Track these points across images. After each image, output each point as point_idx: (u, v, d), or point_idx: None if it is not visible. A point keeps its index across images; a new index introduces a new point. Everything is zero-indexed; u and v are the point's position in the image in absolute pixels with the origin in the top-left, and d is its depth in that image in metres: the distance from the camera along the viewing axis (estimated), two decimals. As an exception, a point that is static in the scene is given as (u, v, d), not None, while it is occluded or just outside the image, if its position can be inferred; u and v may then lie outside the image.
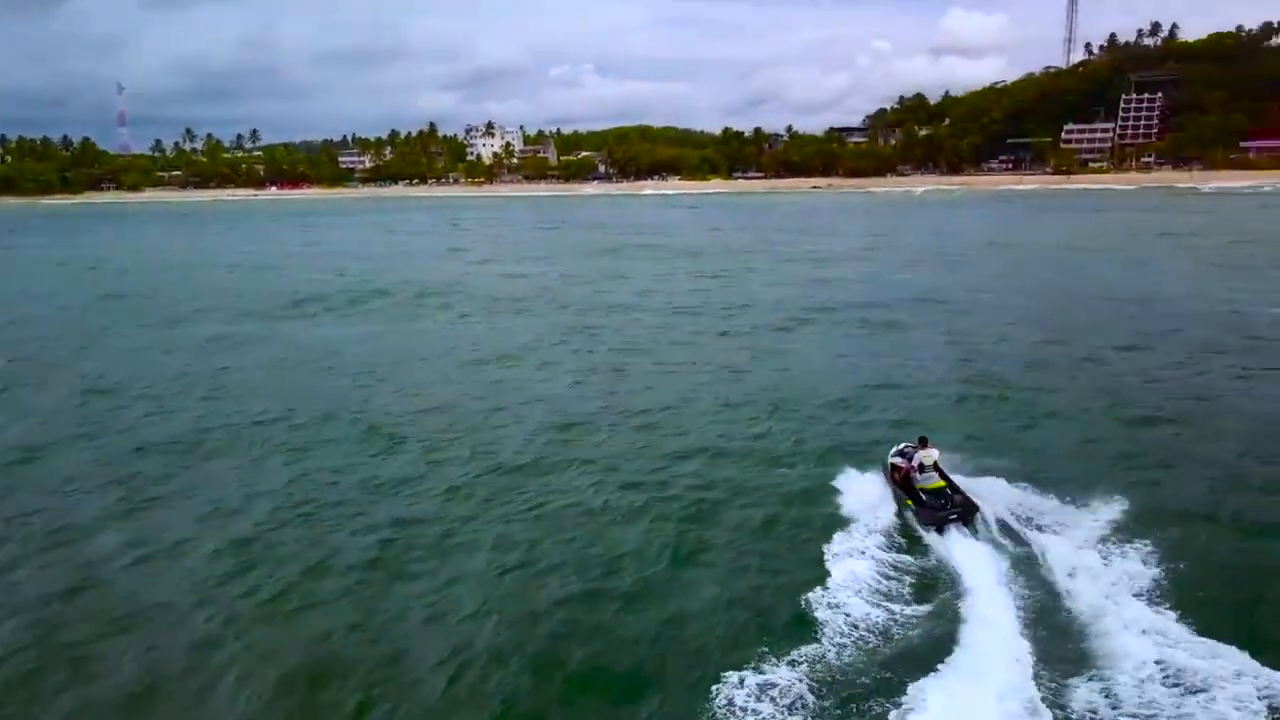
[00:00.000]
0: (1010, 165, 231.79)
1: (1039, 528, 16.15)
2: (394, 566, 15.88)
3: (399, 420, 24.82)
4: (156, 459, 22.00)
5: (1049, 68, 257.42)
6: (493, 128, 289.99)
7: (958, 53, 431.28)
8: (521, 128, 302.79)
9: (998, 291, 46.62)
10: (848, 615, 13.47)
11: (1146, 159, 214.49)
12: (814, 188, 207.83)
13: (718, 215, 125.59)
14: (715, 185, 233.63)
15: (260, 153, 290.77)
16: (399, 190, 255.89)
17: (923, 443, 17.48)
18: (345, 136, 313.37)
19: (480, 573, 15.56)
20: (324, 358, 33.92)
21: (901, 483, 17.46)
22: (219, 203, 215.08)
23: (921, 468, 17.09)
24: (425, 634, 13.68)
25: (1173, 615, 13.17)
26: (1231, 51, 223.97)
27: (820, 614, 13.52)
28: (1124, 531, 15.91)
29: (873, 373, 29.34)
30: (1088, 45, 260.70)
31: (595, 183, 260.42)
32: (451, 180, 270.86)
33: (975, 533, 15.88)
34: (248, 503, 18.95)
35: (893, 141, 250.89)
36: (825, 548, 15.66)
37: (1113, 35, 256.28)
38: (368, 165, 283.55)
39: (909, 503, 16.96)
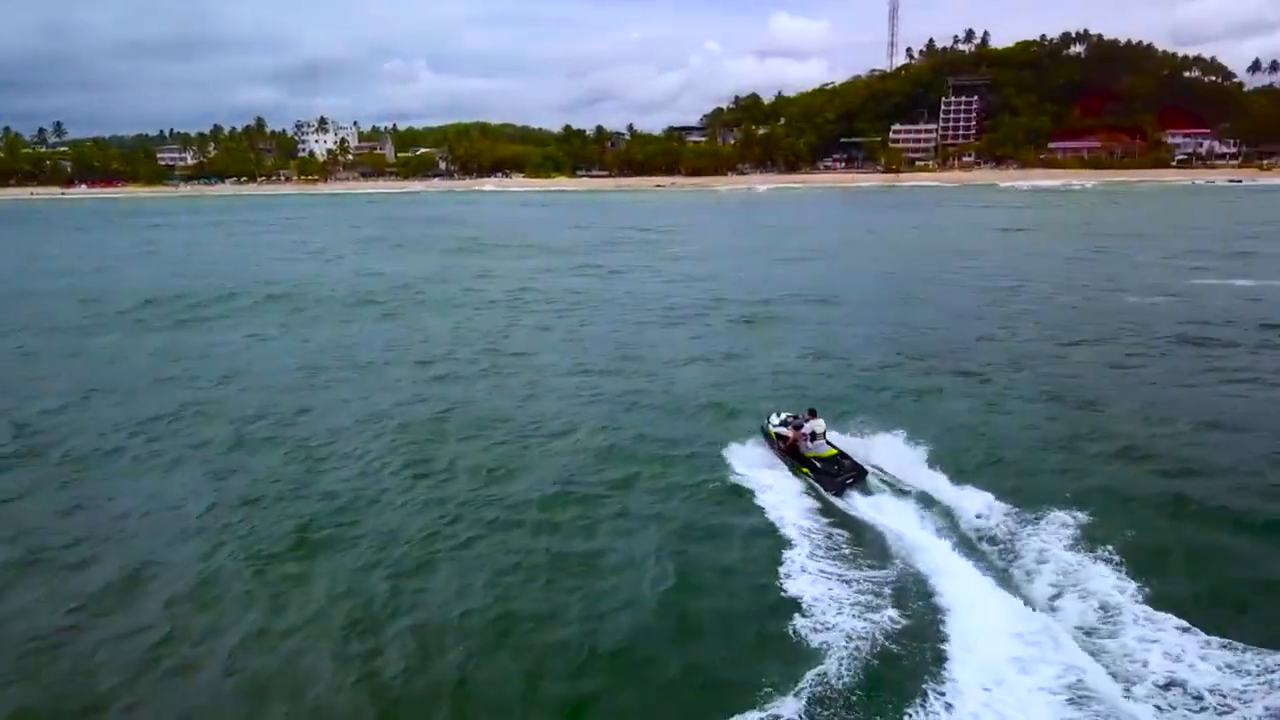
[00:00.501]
0: (844, 164, 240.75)
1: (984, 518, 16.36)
2: (352, 615, 14.26)
3: (298, 438, 22.75)
4: (34, 498, 19.40)
5: (874, 70, 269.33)
6: (326, 123, 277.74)
7: (783, 55, 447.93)
8: (355, 123, 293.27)
9: (875, 285, 47.87)
10: (839, 630, 12.94)
11: (967, 158, 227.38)
12: (659, 186, 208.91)
13: (573, 213, 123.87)
14: (560, 183, 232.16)
15: (67, 148, 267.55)
16: (227, 189, 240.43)
17: (812, 414, 18.80)
18: (163, 131, 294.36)
19: (445, 616, 14.19)
20: (193, 368, 30.90)
21: (790, 450, 18.80)
22: (23, 202, 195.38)
23: (813, 436, 18.36)
24: (414, 692, 12.42)
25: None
26: (1036, 58, 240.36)
27: (812, 637, 12.88)
28: (1081, 523, 16.06)
29: (768, 364, 29.77)
30: (909, 50, 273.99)
31: (437, 180, 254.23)
32: (283, 178, 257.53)
33: (869, 493, 17.30)
34: (156, 547, 16.73)
35: (731, 140, 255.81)
36: (782, 564, 15.02)
37: (931, 41, 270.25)
38: (190, 162, 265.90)
39: (804, 470, 18.26)
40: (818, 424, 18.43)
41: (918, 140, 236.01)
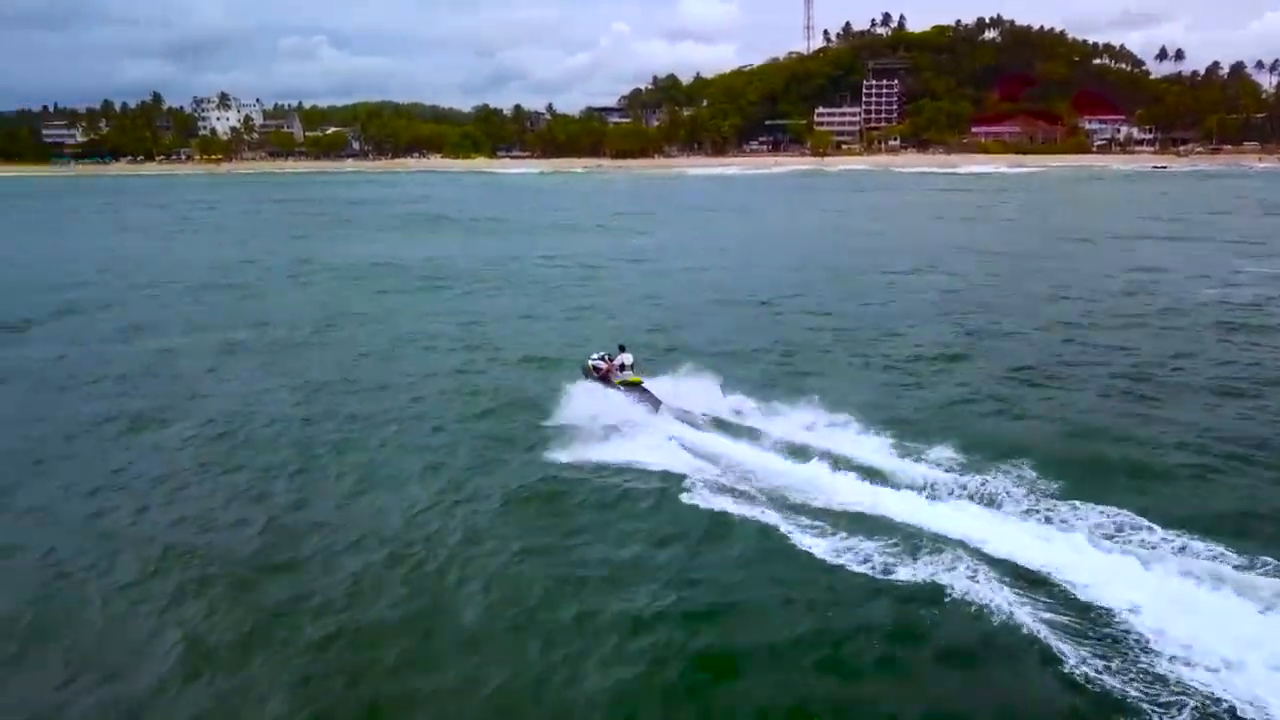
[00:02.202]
0: (769, 146, 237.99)
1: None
2: None
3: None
4: None
5: (792, 53, 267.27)
6: (228, 99, 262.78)
7: (693, 37, 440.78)
8: (259, 101, 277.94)
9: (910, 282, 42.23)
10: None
11: (893, 141, 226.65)
12: (587, 168, 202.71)
13: (530, 198, 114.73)
14: (481, 163, 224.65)
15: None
16: (123, 168, 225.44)
17: (621, 349, 21.64)
18: (46, 107, 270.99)
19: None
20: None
21: (603, 379, 21.22)
22: None
23: (622, 367, 21.08)
24: None
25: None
26: (951, 43, 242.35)
27: None
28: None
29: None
30: (825, 32, 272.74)
31: (350, 160, 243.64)
32: (184, 157, 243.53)
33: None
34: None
35: (655, 122, 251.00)
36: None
37: (848, 24, 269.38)
38: (79, 139, 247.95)
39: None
40: (626, 357, 21.27)
41: (842, 123, 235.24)
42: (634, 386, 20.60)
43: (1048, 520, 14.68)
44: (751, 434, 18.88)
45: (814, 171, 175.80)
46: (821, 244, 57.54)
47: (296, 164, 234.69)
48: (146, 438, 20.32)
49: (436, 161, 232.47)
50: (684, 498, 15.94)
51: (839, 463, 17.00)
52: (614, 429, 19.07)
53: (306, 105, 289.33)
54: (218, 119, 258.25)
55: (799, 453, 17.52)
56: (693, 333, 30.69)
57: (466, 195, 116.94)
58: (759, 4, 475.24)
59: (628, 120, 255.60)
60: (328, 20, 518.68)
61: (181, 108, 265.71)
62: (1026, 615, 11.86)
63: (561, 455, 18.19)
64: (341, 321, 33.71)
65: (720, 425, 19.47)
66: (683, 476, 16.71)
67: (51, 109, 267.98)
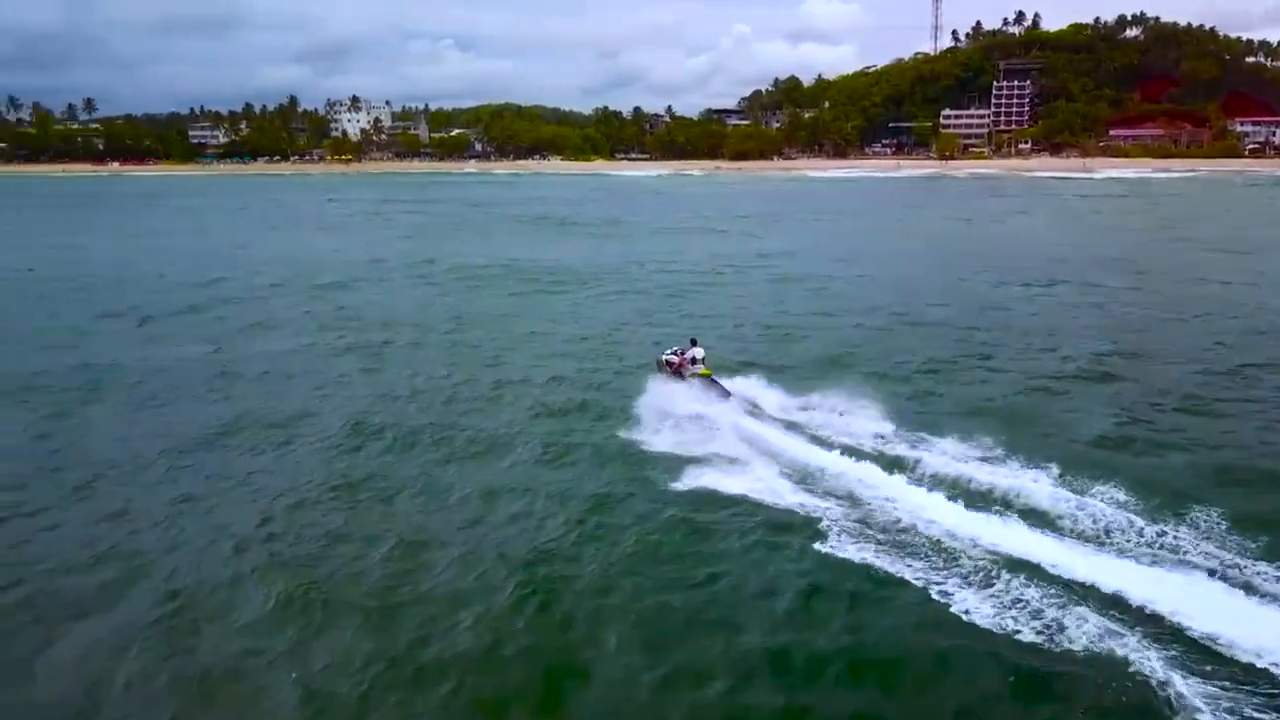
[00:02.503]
0: (893, 149, 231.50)
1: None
2: None
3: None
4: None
5: (918, 53, 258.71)
6: (358, 102, 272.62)
7: (815, 39, 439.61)
8: (388, 103, 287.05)
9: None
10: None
11: (1023, 145, 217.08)
12: (704, 171, 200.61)
13: (668, 203, 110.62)
14: (599, 165, 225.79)
15: (97, 125, 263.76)
16: (261, 168, 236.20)
17: (693, 342, 22.60)
18: (192, 109, 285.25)
19: None
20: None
21: (675, 372, 22.21)
22: (57, 178, 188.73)
23: (694, 360, 22.02)
24: None
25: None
26: (1089, 42, 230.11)
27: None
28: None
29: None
30: (954, 32, 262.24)
31: (473, 161, 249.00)
32: (316, 157, 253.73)
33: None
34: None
35: (775, 124, 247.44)
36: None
37: (978, 23, 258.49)
38: (222, 140, 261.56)
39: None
40: (697, 351, 22.16)
41: (970, 126, 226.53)
42: (704, 379, 21.69)
43: (1250, 587, 12.68)
44: (898, 464, 17.59)
45: (939, 175, 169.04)
46: (952, 251, 54.96)
47: (421, 164, 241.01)
48: (272, 446, 20.24)
49: (555, 164, 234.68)
50: (828, 542, 14.60)
51: (995, 505, 15.45)
52: (743, 460, 18.04)
53: (433, 108, 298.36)
54: (349, 121, 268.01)
55: (952, 491, 16.10)
56: (821, 344, 29.34)
57: (584, 197, 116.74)
58: (882, 4, 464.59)
59: (747, 122, 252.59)
60: (455, 24, 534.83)
61: (315, 110, 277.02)
62: (1232, 707, 10.18)
63: (691, 483, 17.16)
64: (465, 325, 33.74)
65: (858, 453, 18.09)
66: (819, 517, 15.41)
67: (198, 111, 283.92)
